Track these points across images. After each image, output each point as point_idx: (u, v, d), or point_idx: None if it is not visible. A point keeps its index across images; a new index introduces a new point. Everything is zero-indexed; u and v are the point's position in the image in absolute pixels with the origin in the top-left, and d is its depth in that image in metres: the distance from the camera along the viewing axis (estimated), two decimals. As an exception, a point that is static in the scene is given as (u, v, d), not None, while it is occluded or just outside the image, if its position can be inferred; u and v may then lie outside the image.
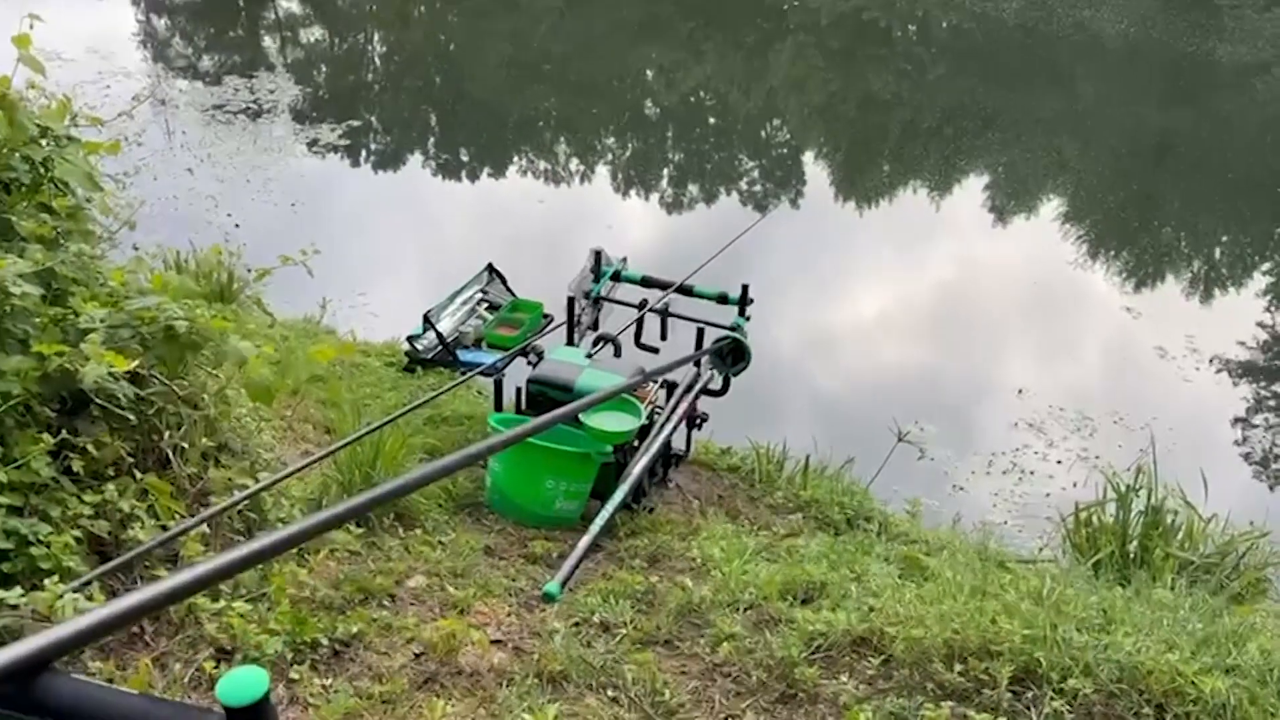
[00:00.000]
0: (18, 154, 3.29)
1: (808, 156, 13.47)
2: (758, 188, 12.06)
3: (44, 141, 3.37)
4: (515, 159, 11.79)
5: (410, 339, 5.79)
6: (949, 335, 8.14)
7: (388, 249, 8.08)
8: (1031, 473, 5.94)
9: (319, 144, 9.85)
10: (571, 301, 4.73)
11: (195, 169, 8.68)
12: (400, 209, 9.48)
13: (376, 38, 15.97)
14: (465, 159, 11.59)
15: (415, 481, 0.92)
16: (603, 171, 11.99)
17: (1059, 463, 6.07)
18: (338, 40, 15.39)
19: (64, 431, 2.76)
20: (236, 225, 7.17)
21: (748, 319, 4.74)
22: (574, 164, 12.06)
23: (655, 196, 11.49)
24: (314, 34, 15.27)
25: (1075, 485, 5.66)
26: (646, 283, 4.90)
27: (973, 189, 11.84)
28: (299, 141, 9.75)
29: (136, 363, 2.85)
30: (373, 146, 10.79)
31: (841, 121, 14.40)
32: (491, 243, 8.19)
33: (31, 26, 3.42)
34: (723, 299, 4.80)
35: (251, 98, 10.69)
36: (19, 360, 2.66)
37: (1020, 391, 6.76)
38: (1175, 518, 3.99)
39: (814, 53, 16.50)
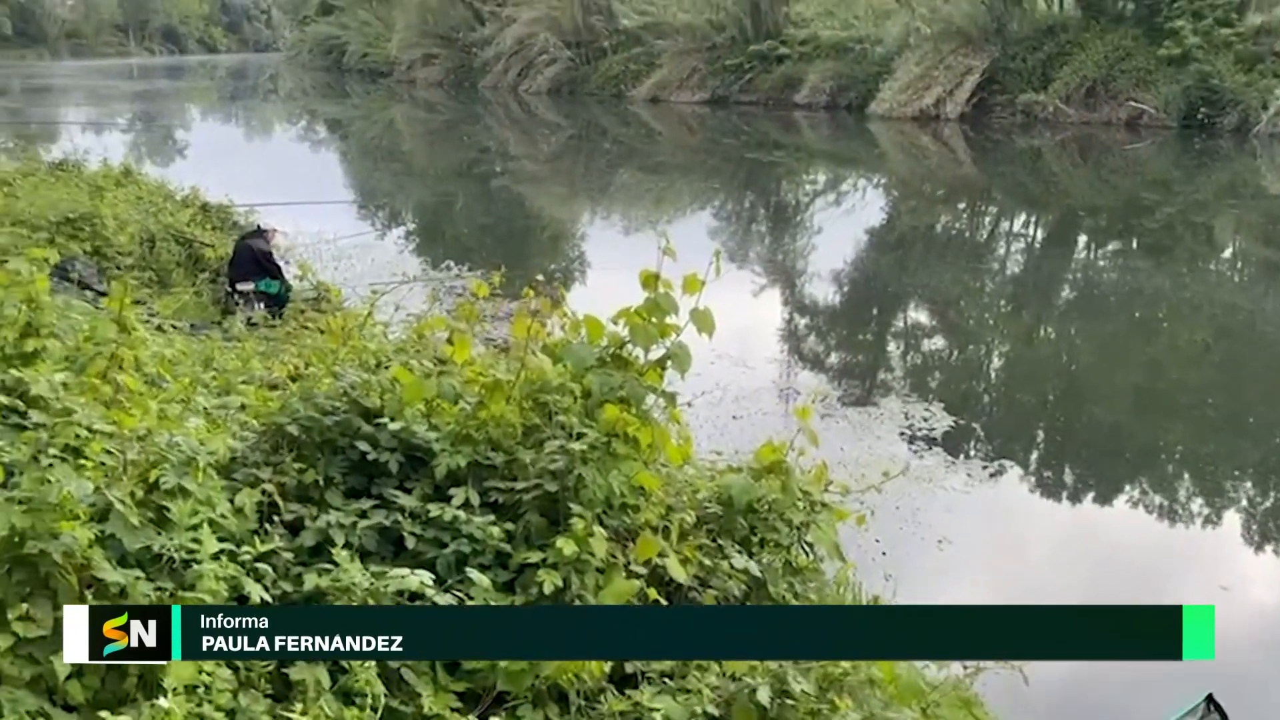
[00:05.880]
0: (781, 516, 3.58)
1: None
2: None
3: (801, 504, 3.63)
4: (1132, 491, 10.76)
5: None
6: None
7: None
8: None
9: (967, 478, 9.77)
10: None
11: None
12: (1043, 560, 8.86)
13: (996, 352, 16.12)
14: (1085, 490, 10.84)
15: None
16: (1233, 520, 10.38)
17: None
18: (956, 351, 15.82)
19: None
20: (884, 553, 7.23)
21: None
22: (1197, 506, 10.65)
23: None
24: (935, 343, 15.87)
25: None
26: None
27: None
28: (950, 472, 9.76)
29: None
30: (1014, 482, 10.35)
31: None
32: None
33: (811, 403, 3.77)
34: None
35: (904, 419, 11.04)
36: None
37: None
38: None
39: None
